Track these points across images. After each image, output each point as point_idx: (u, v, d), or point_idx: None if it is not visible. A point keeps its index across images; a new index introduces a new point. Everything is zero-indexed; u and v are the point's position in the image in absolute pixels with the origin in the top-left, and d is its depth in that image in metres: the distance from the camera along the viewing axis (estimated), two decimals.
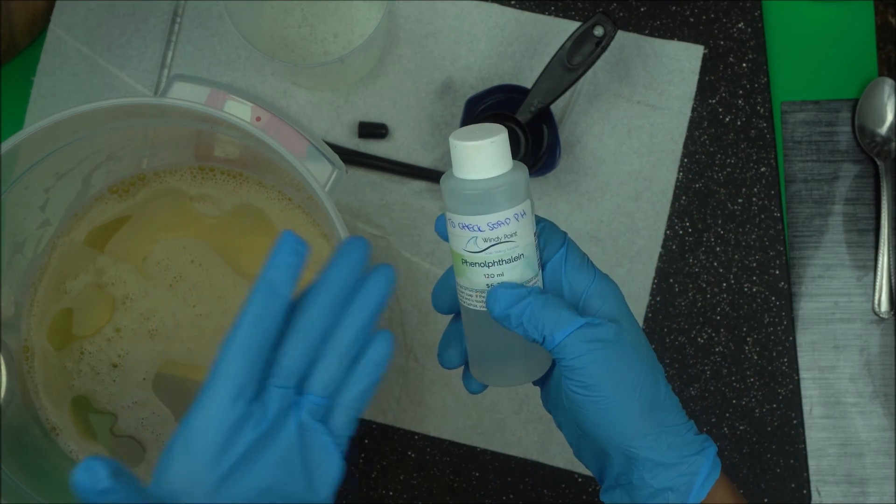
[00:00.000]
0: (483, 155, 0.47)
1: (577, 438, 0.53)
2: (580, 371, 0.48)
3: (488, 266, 0.48)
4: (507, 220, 0.47)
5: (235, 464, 0.44)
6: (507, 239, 0.48)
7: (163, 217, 0.71)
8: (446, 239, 0.50)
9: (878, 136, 0.78)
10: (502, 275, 0.48)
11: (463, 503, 0.75)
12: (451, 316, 0.54)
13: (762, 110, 0.78)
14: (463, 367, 0.53)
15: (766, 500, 0.75)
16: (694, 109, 0.78)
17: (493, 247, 0.48)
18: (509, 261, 0.48)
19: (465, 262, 0.48)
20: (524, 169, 0.48)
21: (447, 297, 0.52)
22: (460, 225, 0.48)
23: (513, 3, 0.79)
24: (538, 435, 0.75)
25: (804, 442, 0.75)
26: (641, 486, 0.49)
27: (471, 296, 0.49)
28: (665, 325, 0.76)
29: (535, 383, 0.54)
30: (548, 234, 0.50)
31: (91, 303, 0.70)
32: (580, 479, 0.75)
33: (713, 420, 0.75)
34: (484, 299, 0.49)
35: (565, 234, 0.51)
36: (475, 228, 0.47)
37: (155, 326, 0.70)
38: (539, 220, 0.50)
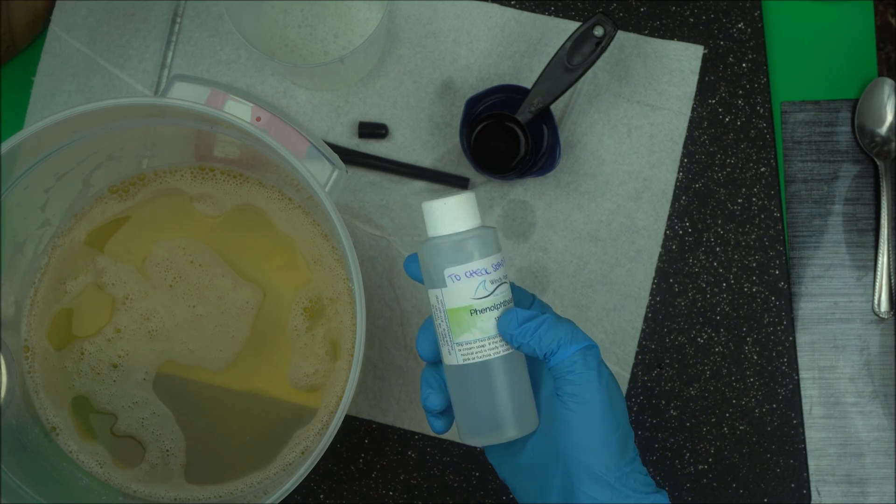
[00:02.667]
0: (474, 204, 0.52)
1: (528, 482, 0.54)
2: (582, 387, 0.50)
3: (496, 308, 0.51)
4: (502, 261, 0.52)
5: None
6: (504, 279, 0.52)
7: (163, 217, 0.71)
8: (419, 279, 0.54)
9: (878, 136, 0.78)
10: None
11: (463, 503, 0.75)
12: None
13: (762, 110, 0.78)
14: (435, 412, 0.55)
15: (766, 500, 0.75)
16: (694, 109, 0.78)
17: (498, 287, 0.51)
18: (508, 301, 0.52)
19: (475, 311, 0.51)
20: None
21: (432, 343, 0.54)
22: (468, 273, 0.51)
23: (513, 3, 0.79)
24: None
25: (804, 442, 0.75)
26: None
27: (482, 346, 0.51)
28: (665, 325, 0.76)
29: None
30: (517, 291, 0.54)
31: (91, 303, 0.70)
32: None
33: (713, 420, 0.75)
34: (496, 344, 0.51)
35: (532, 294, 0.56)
36: (483, 272, 0.51)
37: (155, 327, 0.70)
38: None
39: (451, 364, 0.52)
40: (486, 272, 0.51)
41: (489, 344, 0.51)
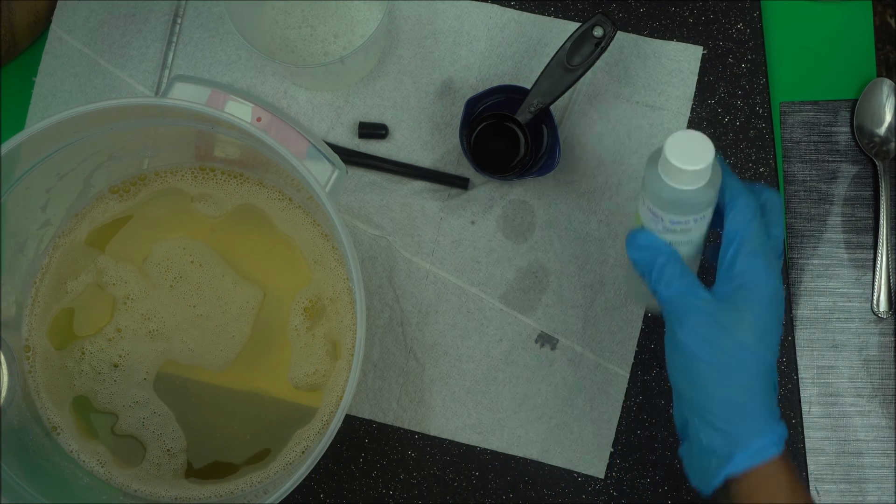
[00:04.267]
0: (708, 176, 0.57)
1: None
2: (672, 328, 0.57)
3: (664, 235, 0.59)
4: (701, 217, 0.58)
5: None
6: (683, 229, 0.58)
7: (163, 217, 0.71)
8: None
9: (877, 137, 0.78)
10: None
11: (463, 503, 0.75)
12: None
13: (761, 111, 0.78)
14: None
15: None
16: (693, 110, 0.78)
17: (668, 233, 0.59)
18: (685, 243, 0.59)
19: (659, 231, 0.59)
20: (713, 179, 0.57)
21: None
22: (672, 222, 0.58)
23: (513, 3, 0.79)
24: (538, 435, 0.75)
25: (803, 441, 0.75)
26: (695, 440, 0.57)
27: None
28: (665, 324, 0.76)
29: None
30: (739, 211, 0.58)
31: (92, 303, 0.70)
32: (580, 479, 0.75)
33: None
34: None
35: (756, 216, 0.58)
36: (661, 219, 0.58)
37: (155, 326, 0.70)
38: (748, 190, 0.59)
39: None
40: (662, 220, 0.58)
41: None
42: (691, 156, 0.55)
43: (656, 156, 0.57)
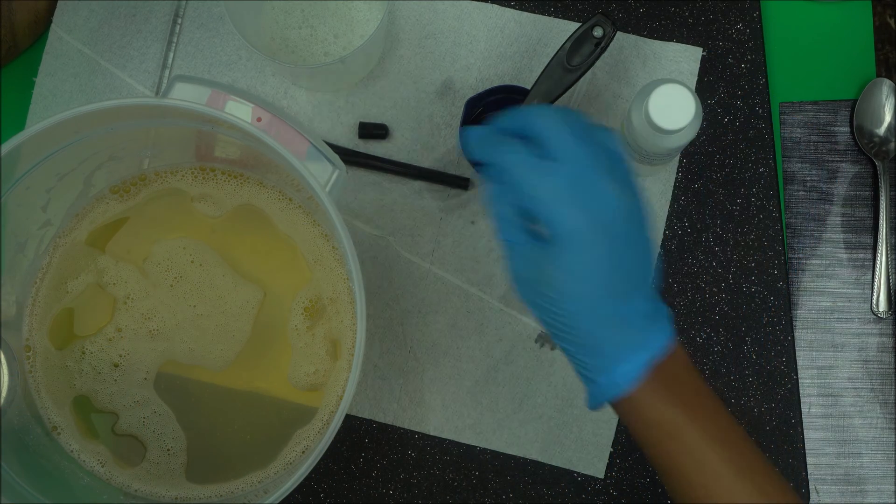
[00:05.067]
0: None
1: None
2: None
3: None
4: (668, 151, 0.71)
5: None
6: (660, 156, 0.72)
7: (164, 217, 0.72)
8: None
9: (877, 137, 0.78)
10: None
11: (463, 502, 0.75)
12: None
13: (761, 111, 0.78)
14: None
15: None
16: None
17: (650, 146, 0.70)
18: None
19: None
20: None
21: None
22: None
23: (512, 3, 0.79)
24: (537, 434, 0.75)
25: (802, 441, 0.75)
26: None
27: None
28: None
29: None
30: None
31: (92, 302, 0.70)
32: (580, 479, 0.75)
33: None
34: None
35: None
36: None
37: (156, 326, 0.70)
38: None
39: None
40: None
41: None
42: (674, 114, 0.63)
43: (643, 95, 0.65)
